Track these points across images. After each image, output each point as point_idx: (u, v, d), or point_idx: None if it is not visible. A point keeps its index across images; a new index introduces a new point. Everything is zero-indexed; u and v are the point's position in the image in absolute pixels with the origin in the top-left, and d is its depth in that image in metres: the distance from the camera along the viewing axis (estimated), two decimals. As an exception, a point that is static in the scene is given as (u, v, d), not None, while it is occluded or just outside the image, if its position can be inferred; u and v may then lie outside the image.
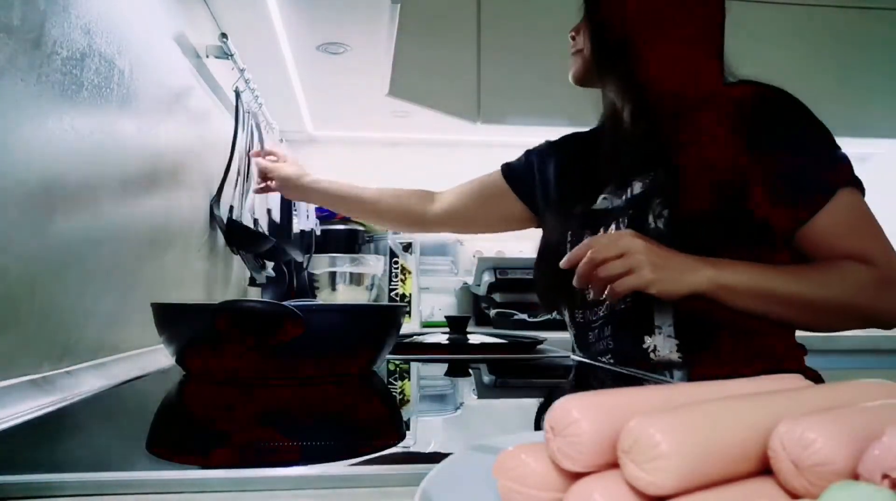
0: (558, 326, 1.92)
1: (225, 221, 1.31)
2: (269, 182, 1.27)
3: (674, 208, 0.83)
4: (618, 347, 0.89)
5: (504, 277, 1.95)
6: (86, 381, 0.65)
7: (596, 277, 0.76)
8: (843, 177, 0.80)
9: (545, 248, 1.03)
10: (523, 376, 0.91)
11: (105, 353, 0.75)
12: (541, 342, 1.09)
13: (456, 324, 1.15)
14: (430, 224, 1.23)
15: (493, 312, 1.99)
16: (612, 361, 0.89)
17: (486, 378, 0.85)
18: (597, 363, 0.93)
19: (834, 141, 0.82)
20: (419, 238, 2.03)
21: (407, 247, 2.01)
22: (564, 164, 1.05)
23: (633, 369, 0.84)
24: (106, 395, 0.63)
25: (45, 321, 0.63)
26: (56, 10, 0.63)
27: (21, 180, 0.58)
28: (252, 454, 0.42)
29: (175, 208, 1.07)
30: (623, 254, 0.74)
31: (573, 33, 1.01)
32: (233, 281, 1.53)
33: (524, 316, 1.91)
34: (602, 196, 0.94)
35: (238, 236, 1.34)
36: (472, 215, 1.18)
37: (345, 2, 1.31)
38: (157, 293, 0.95)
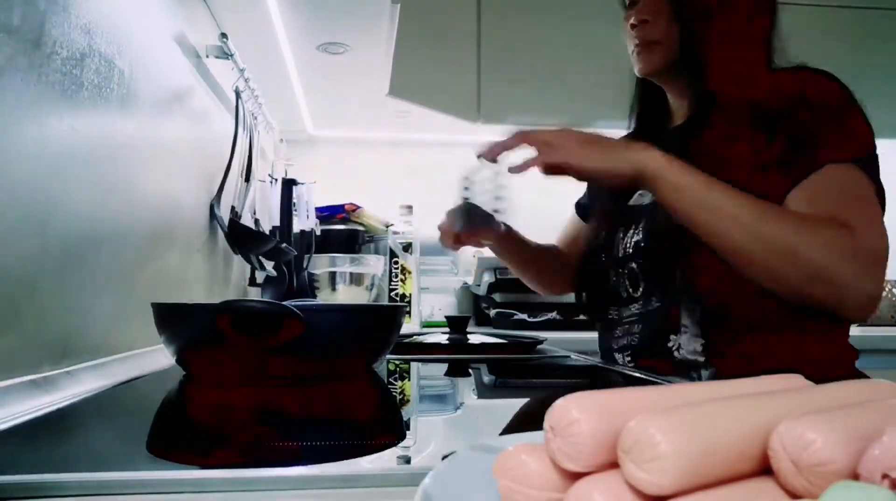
0: (558, 326, 1.93)
1: (226, 221, 1.31)
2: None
3: None
4: (642, 344, 0.87)
5: (504, 277, 1.95)
6: (86, 381, 0.65)
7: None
8: (845, 153, 0.74)
9: (587, 248, 1.02)
10: (523, 376, 0.91)
11: (105, 353, 0.75)
12: (541, 342, 1.09)
13: (456, 324, 1.15)
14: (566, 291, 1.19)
15: (493, 312, 1.99)
16: (629, 358, 0.88)
17: (486, 378, 0.85)
18: (598, 363, 0.93)
19: (861, 123, 0.77)
20: (419, 238, 2.03)
21: (407, 247, 2.01)
22: None
23: (650, 367, 0.83)
24: (106, 395, 0.63)
25: (45, 321, 0.63)
26: (56, 10, 0.63)
27: (21, 180, 0.58)
28: (252, 454, 0.42)
29: (175, 208, 1.07)
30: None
31: (641, 19, 0.88)
32: (233, 281, 1.53)
33: (524, 316, 1.91)
34: (638, 192, 0.91)
35: (239, 236, 1.34)
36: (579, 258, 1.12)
37: (345, 2, 1.31)
38: (157, 293, 0.95)
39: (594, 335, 1.02)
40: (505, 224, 1.06)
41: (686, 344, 0.81)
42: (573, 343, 1.32)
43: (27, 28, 0.58)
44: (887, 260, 0.73)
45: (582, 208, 1.15)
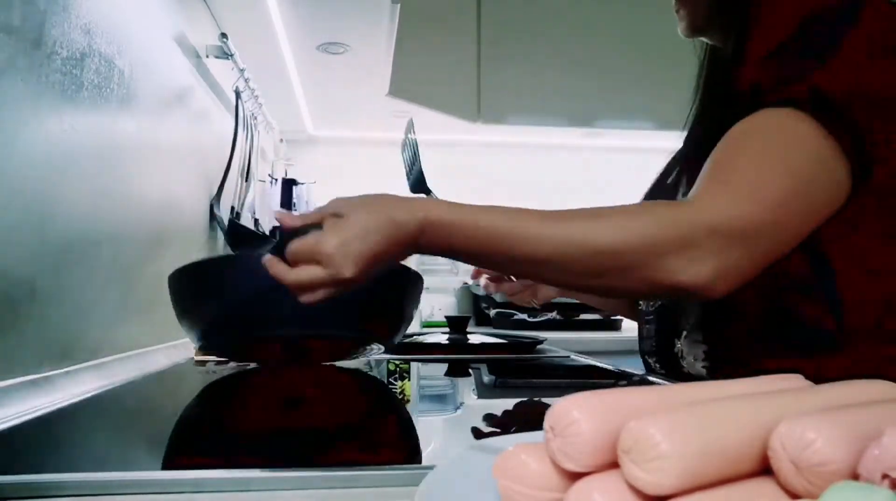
0: (558, 326, 1.93)
1: (226, 221, 1.31)
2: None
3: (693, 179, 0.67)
4: (658, 348, 0.78)
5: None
6: (86, 381, 0.65)
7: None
8: (786, 94, 0.58)
9: None
10: (523, 376, 0.91)
11: (105, 353, 0.75)
12: (541, 342, 1.09)
13: (456, 324, 1.15)
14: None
15: (493, 312, 1.99)
16: (658, 365, 0.79)
17: (486, 378, 0.85)
18: (598, 363, 0.93)
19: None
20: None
21: (407, 247, 2.01)
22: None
23: (671, 377, 0.73)
24: (106, 395, 0.63)
25: (45, 321, 0.63)
26: (56, 10, 0.63)
27: (21, 180, 0.58)
28: (252, 454, 0.42)
29: (175, 208, 1.07)
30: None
31: None
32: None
33: (524, 316, 1.91)
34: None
35: (239, 236, 1.34)
36: None
37: (345, 2, 1.31)
38: (157, 293, 0.95)
39: (594, 335, 1.02)
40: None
41: (688, 350, 0.72)
42: (573, 343, 1.32)
43: (27, 28, 0.58)
44: (759, 233, 0.57)
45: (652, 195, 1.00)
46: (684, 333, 0.71)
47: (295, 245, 0.55)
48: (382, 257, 0.57)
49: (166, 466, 0.39)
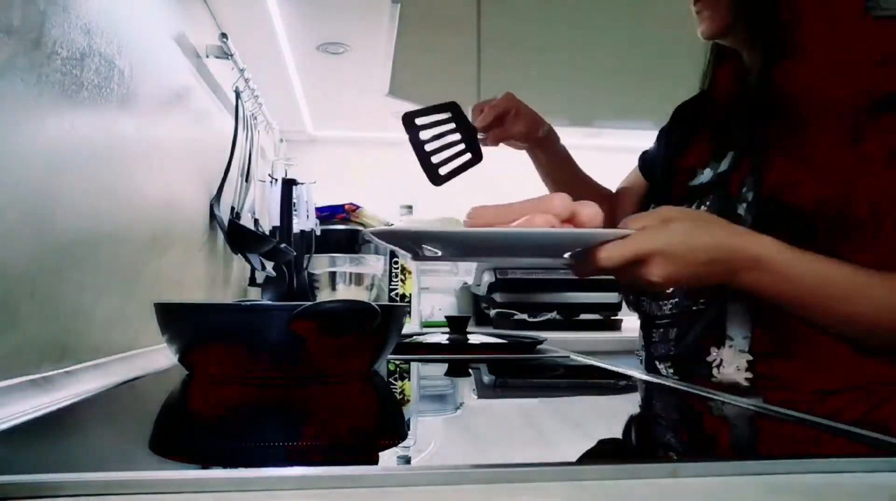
0: (558, 326, 1.93)
1: (226, 221, 1.31)
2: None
3: (761, 193, 0.67)
4: (679, 354, 0.75)
5: (504, 277, 1.95)
6: (86, 381, 0.65)
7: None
8: None
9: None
10: (523, 376, 0.91)
11: (105, 353, 0.75)
12: (541, 342, 1.09)
13: (456, 324, 1.15)
14: None
15: (493, 312, 1.99)
16: (671, 370, 0.77)
17: (486, 378, 0.85)
18: (599, 364, 0.93)
19: None
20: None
21: (407, 247, 2.01)
22: (679, 131, 0.90)
23: (692, 383, 0.69)
24: (106, 395, 0.63)
25: (45, 321, 0.63)
26: (56, 10, 0.63)
27: (21, 180, 0.58)
28: (252, 454, 0.42)
29: (175, 208, 1.07)
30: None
31: None
32: (233, 281, 1.53)
33: (524, 316, 1.91)
34: (702, 170, 0.80)
35: (239, 236, 1.34)
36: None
37: (345, 2, 1.31)
38: (157, 293, 0.95)
39: (594, 335, 1.02)
40: (550, 128, 1.01)
41: (729, 361, 0.70)
42: (573, 343, 1.33)
43: (27, 28, 0.58)
44: None
45: (647, 162, 1.00)
46: (728, 343, 0.70)
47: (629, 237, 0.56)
48: (699, 276, 0.57)
49: (166, 466, 0.39)
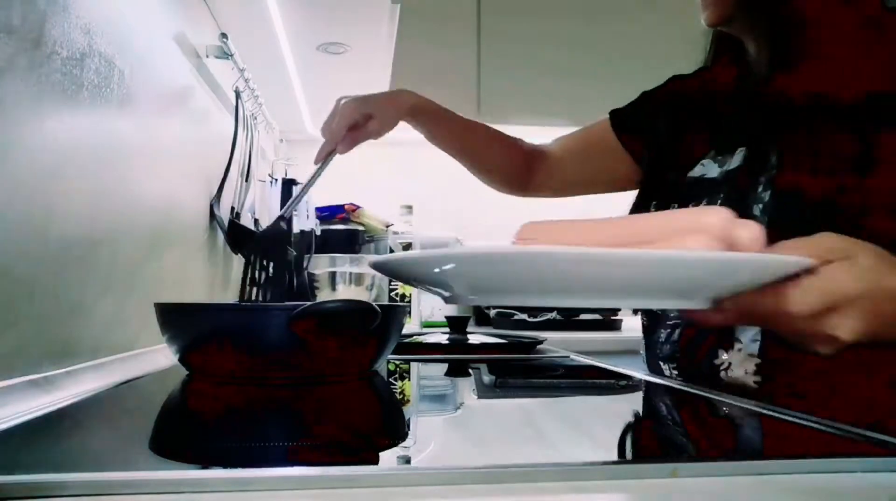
0: (558, 326, 1.92)
1: (226, 221, 1.31)
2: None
3: (778, 193, 0.65)
4: (685, 357, 0.74)
5: (504, 277, 1.94)
6: (86, 381, 0.65)
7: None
8: None
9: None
10: (523, 376, 0.91)
11: (105, 353, 0.75)
12: (541, 342, 1.09)
13: (456, 324, 1.15)
14: (533, 189, 1.05)
15: (493, 312, 1.99)
16: (676, 372, 0.76)
17: (486, 378, 0.85)
18: (599, 364, 0.92)
19: None
20: (419, 237, 2.02)
21: (407, 247, 2.01)
22: (678, 111, 0.85)
23: (699, 386, 0.68)
24: (106, 395, 0.63)
25: (45, 321, 0.63)
26: (56, 10, 0.63)
27: (21, 180, 0.58)
28: (252, 454, 0.42)
29: (175, 208, 1.07)
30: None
31: None
32: (233, 281, 1.53)
33: (524, 316, 1.91)
34: (701, 162, 0.77)
35: (239, 236, 1.34)
36: (576, 177, 1.01)
37: (345, 2, 1.31)
38: (157, 293, 0.95)
39: (594, 335, 1.02)
40: (415, 102, 1.00)
41: (737, 365, 0.68)
42: (573, 343, 1.33)
43: (27, 28, 0.58)
44: None
45: (624, 122, 0.94)
46: (736, 346, 0.68)
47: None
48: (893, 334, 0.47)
49: (166, 466, 0.39)
